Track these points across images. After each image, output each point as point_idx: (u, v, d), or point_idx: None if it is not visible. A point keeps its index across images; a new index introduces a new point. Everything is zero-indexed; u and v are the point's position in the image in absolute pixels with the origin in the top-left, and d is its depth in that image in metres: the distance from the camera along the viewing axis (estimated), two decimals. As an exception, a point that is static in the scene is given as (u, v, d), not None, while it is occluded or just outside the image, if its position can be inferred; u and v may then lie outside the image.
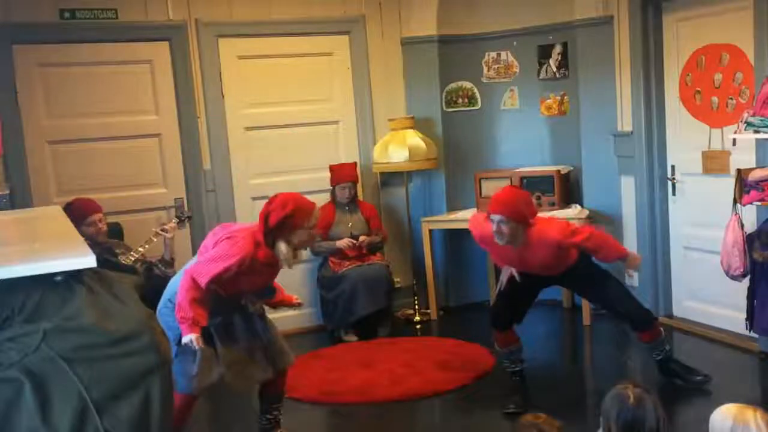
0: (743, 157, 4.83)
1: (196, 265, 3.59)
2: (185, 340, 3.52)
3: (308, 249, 5.98)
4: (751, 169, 4.53)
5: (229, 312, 3.79)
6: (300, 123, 6.21)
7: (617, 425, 2.40)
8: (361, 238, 5.99)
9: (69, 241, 2.78)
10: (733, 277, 4.58)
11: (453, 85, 6.52)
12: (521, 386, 4.49)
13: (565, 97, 6.28)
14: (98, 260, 2.37)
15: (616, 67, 5.81)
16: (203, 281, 3.53)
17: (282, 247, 3.63)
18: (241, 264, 3.56)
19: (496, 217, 4.08)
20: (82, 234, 4.30)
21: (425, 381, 4.91)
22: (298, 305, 4.18)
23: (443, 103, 6.50)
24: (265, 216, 3.62)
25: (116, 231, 5.10)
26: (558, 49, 6.26)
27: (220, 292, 3.67)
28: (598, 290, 4.53)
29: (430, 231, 6.31)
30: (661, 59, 5.58)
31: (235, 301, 3.79)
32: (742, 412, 2.26)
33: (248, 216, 5.86)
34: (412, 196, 6.44)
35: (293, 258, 3.71)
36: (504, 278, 4.47)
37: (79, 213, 4.63)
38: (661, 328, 4.61)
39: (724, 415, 2.28)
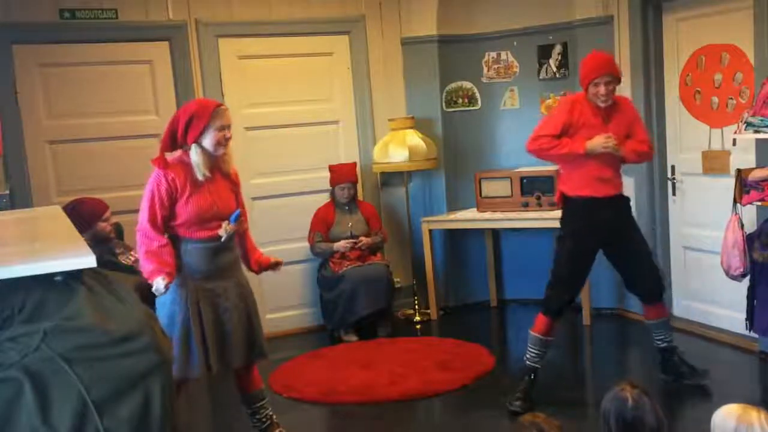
0: (743, 157, 4.84)
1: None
2: (154, 287, 3.50)
3: (311, 249, 6.03)
4: (751, 169, 4.54)
5: (219, 272, 3.73)
6: (300, 123, 6.21)
7: (616, 426, 2.40)
8: (362, 239, 5.99)
9: (69, 241, 2.77)
10: (733, 277, 4.58)
11: (453, 85, 6.52)
12: (530, 385, 4.43)
13: (565, 97, 6.28)
14: (98, 260, 2.37)
15: (616, 67, 5.81)
16: (144, 226, 3.63)
17: (194, 154, 3.62)
18: (163, 188, 3.59)
19: (604, 78, 4.20)
20: (95, 232, 4.31)
21: (425, 381, 4.91)
22: (278, 264, 4.04)
23: (443, 103, 6.51)
24: (171, 126, 3.65)
25: (116, 231, 5.08)
26: (558, 49, 6.26)
27: (190, 234, 3.66)
28: (635, 247, 4.47)
29: (430, 231, 6.31)
30: (661, 59, 5.58)
31: (214, 243, 3.70)
32: (746, 412, 2.25)
33: (248, 216, 5.85)
34: (412, 196, 6.44)
35: (207, 166, 3.65)
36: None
37: (94, 211, 4.61)
38: (667, 310, 4.64)
39: (726, 415, 2.28)
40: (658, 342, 4.62)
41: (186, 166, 3.66)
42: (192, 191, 3.64)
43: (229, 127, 3.69)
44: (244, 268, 3.98)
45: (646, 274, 4.50)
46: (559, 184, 4.57)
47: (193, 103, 3.80)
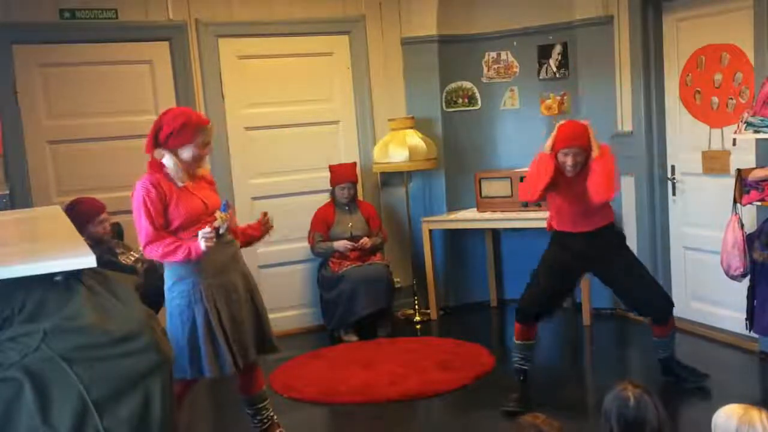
0: (743, 157, 4.84)
1: (139, 236, 3.61)
2: (203, 246, 3.49)
3: (311, 250, 6.04)
4: (751, 169, 4.54)
5: (224, 266, 3.71)
6: (300, 123, 6.21)
7: (618, 426, 2.39)
8: (364, 240, 5.98)
9: (69, 241, 2.78)
10: (733, 277, 4.58)
11: (453, 85, 6.52)
12: (523, 386, 4.49)
13: (565, 97, 6.28)
14: (98, 260, 2.37)
15: (616, 67, 5.81)
16: (150, 237, 3.54)
17: (170, 161, 3.61)
18: (153, 195, 3.55)
19: (572, 150, 4.25)
20: (90, 234, 4.32)
21: (425, 381, 4.91)
22: (265, 216, 4.00)
23: (443, 103, 6.50)
24: (155, 130, 3.64)
25: (116, 231, 5.09)
26: (558, 49, 6.26)
27: (188, 235, 3.62)
28: (630, 274, 4.46)
29: (430, 231, 6.31)
30: (661, 59, 5.58)
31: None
32: (747, 412, 2.25)
33: (248, 216, 5.85)
34: (412, 196, 6.44)
35: (186, 174, 3.65)
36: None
37: (87, 212, 4.62)
38: (672, 325, 4.62)
39: (728, 415, 2.28)
40: (660, 352, 4.63)
41: (165, 170, 3.64)
42: (179, 194, 3.63)
43: (209, 143, 3.72)
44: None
45: (644, 295, 4.48)
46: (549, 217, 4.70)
47: (185, 112, 3.75)
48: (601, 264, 4.50)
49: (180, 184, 3.64)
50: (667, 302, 4.56)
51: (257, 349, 3.84)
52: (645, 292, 4.48)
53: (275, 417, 4.05)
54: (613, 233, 4.57)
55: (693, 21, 5.32)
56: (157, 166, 3.64)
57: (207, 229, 3.53)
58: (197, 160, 3.68)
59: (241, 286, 3.78)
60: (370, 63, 6.37)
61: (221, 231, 3.69)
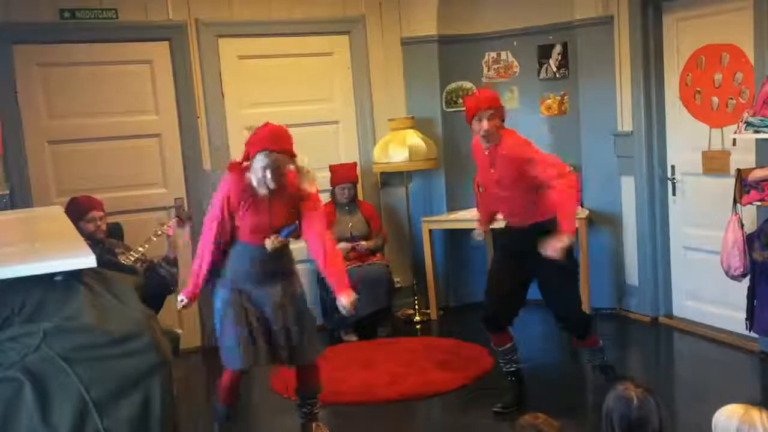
0: (743, 157, 4.84)
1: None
2: (179, 304, 3.82)
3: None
4: (751, 169, 4.54)
5: (264, 278, 3.85)
6: (300, 123, 6.17)
7: (620, 426, 2.39)
8: (361, 244, 5.98)
9: (69, 241, 2.78)
10: (733, 277, 4.58)
11: (453, 85, 6.52)
12: (514, 386, 4.49)
13: (565, 97, 6.28)
14: (98, 260, 2.37)
15: (616, 67, 5.80)
16: (210, 217, 3.77)
17: (251, 173, 3.72)
18: (234, 191, 3.70)
19: (485, 114, 4.14)
20: (81, 231, 4.30)
21: (425, 381, 4.91)
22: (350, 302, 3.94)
23: (443, 103, 6.50)
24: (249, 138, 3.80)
25: (116, 231, 5.08)
26: (558, 49, 6.26)
27: (245, 239, 3.78)
28: (559, 282, 4.27)
29: (430, 231, 6.31)
30: (661, 59, 5.58)
31: (261, 250, 3.81)
32: (747, 412, 2.25)
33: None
34: (412, 196, 6.44)
35: (267, 184, 3.70)
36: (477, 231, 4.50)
37: (79, 209, 4.62)
38: (600, 340, 4.52)
39: (728, 415, 2.27)
40: (587, 361, 4.59)
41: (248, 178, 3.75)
42: (253, 203, 3.74)
43: (275, 169, 3.66)
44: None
45: (558, 309, 4.37)
46: None
47: (266, 128, 3.77)
48: (527, 265, 4.28)
49: (261, 193, 3.73)
50: (584, 323, 4.40)
51: (286, 357, 3.99)
52: (566, 306, 4.34)
53: (318, 413, 4.22)
54: (550, 231, 4.11)
55: (693, 21, 5.32)
56: (234, 167, 3.78)
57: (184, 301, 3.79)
58: (261, 180, 3.68)
59: (276, 299, 3.87)
60: (370, 63, 6.37)
61: (269, 249, 3.81)
